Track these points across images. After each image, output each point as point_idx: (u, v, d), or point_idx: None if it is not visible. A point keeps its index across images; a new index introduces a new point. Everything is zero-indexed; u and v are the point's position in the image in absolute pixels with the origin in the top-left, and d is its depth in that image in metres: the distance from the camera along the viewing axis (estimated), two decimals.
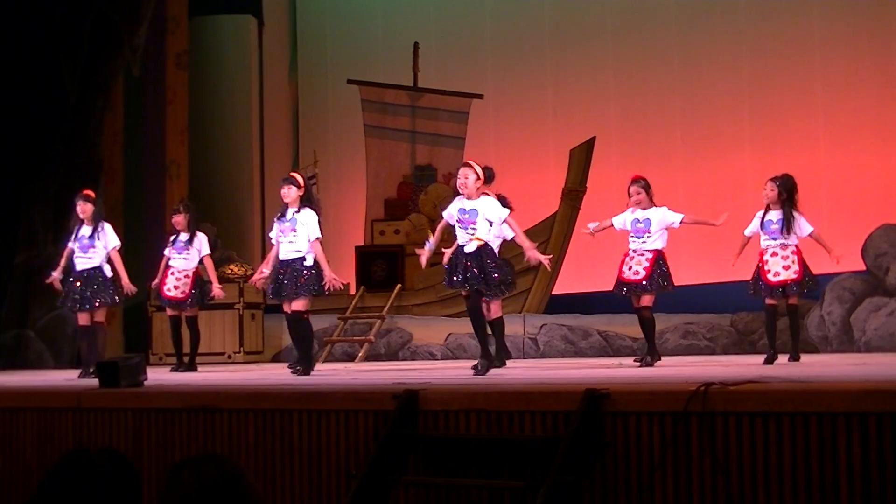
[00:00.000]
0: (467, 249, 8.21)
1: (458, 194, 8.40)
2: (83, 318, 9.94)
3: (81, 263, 9.95)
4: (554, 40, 15.45)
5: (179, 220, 10.78)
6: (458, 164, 14.92)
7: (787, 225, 8.97)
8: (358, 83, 15.74)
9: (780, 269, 8.96)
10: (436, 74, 15.58)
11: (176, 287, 10.64)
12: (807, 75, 13.66)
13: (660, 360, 9.21)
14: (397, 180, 15.34)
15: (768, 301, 9.06)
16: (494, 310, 9.26)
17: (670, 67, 14.60)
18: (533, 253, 8.44)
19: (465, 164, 8.49)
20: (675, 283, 9.42)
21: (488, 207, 8.27)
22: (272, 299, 9.59)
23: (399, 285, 14.06)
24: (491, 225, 8.28)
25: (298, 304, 9.08)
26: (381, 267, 14.32)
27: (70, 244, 10.09)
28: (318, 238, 9.08)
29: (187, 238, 10.71)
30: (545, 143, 15.08)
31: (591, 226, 9.63)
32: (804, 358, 9.21)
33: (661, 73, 14.63)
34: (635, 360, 9.47)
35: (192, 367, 10.79)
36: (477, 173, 8.29)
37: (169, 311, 10.85)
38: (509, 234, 8.75)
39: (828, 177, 13.33)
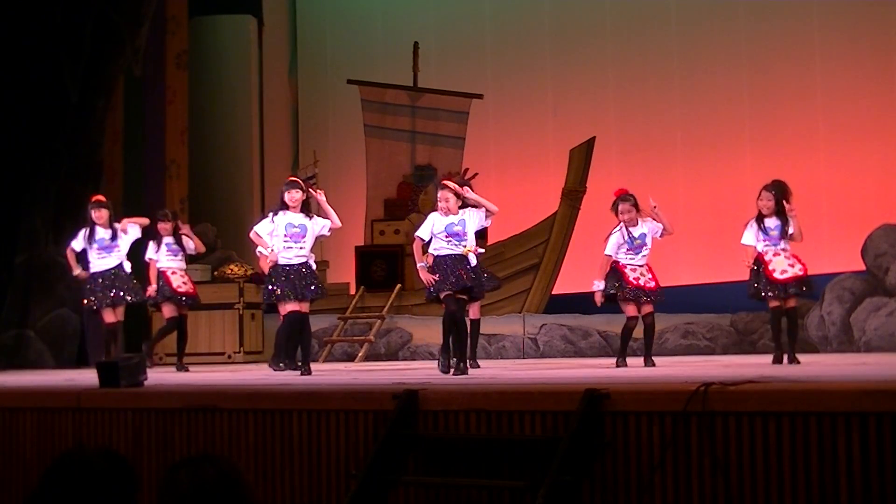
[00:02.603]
0: (472, 261, 8.53)
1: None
2: (110, 316, 10.14)
3: (104, 264, 10.25)
4: (554, 40, 15.46)
5: (167, 227, 10.96)
6: (458, 163, 15.16)
7: (784, 230, 8.97)
8: (358, 83, 15.73)
9: (787, 266, 8.94)
10: (436, 74, 15.57)
11: (184, 283, 10.82)
12: (806, 76, 13.66)
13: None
14: (397, 180, 15.32)
15: (772, 304, 9.01)
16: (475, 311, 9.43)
17: (670, 68, 14.60)
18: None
19: (443, 186, 8.71)
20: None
21: (473, 219, 8.55)
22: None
23: (399, 285, 14.05)
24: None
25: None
26: (381, 267, 14.31)
27: (76, 247, 10.25)
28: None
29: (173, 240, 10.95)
30: (545, 143, 15.08)
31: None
32: (804, 358, 9.19)
33: (660, 74, 14.63)
34: None
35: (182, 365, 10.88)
36: (456, 192, 8.58)
37: (170, 312, 10.85)
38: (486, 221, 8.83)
39: (828, 177, 13.33)
